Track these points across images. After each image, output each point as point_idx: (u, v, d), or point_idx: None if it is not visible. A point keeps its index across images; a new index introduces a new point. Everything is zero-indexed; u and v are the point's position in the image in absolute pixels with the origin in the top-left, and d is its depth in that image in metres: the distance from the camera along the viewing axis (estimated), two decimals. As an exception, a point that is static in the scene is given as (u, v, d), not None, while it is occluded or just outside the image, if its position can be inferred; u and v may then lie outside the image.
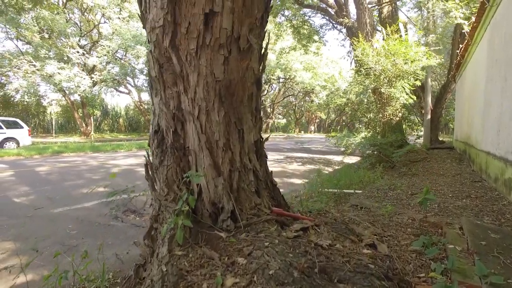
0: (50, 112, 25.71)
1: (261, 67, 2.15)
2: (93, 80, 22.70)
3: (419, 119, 17.22)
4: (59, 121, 32.00)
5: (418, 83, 8.97)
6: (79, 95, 22.72)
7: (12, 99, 24.09)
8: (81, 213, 4.23)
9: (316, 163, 10.40)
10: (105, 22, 25.42)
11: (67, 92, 22.18)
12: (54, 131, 25.94)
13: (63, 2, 23.02)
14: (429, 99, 15.74)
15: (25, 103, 24.37)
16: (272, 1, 2.13)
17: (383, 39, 9.76)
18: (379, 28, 12.96)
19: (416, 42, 9.26)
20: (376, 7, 13.80)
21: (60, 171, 8.08)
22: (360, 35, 9.16)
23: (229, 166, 1.94)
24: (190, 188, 1.96)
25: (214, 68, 1.90)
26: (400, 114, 9.55)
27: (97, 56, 22.68)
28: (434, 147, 12.54)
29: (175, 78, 1.98)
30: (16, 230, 3.49)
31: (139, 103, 31.90)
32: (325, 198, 4.66)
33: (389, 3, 13.54)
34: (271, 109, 50.81)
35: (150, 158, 2.18)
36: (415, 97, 9.24)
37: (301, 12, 19.27)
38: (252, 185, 2.00)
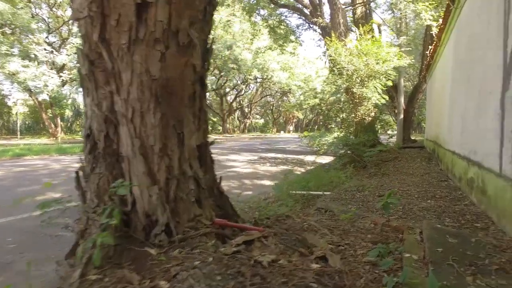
0: (16, 113, 24.45)
1: (206, 64, 1.96)
2: (62, 79, 21.77)
3: (393, 118, 17.48)
4: (27, 122, 30.57)
5: (390, 83, 9.04)
6: (47, 94, 21.74)
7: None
8: (28, 223, 3.89)
9: (289, 164, 10.31)
10: (75, 18, 24.46)
11: (34, 91, 21.16)
12: (19, 133, 24.68)
13: (28, -4, 21.96)
14: (402, 99, 16.03)
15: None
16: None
17: (356, 39, 9.80)
18: (354, 29, 13.06)
19: (388, 43, 9.33)
20: (350, 7, 13.93)
21: (16, 176, 7.58)
22: (333, 35, 9.14)
23: (166, 174, 1.74)
24: (125, 199, 1.75)
25: (149, 65, 1.70)
26: (372, 114, 9.60)
27: (66, 54, 21.77)
28: (405, 146, 12.74)
29: (107, 76, 1.76)
30: None
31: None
32: (291, 202, 4.54)
33: (362, 4, 13.67)
34: (249, 109, 50.72)
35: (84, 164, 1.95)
36: (387, 97, 9.31)
37: (278, 11, 19.19)
38: (192, 194, 1.81)
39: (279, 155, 13.10)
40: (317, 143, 8.32)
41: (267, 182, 7.30)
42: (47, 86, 19.60)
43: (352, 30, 14.24)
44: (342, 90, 9.08)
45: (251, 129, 60.31)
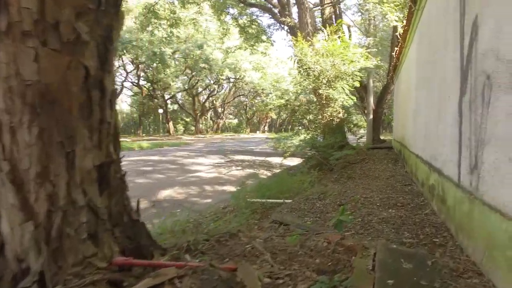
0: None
1: (106, 66, 1.59)
2: None
3: (365, 118, 17.62)
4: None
5: (357, 84, 8.94)
6: None
7: None
8: None
9: (257, 167, 10.05)
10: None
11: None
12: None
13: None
14: (371, 99, 16.15)
15: None
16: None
17: (325, 40, 9.67)
18: (323, 29, 12.97)
19: (355, 45, 9.23)
20: (319, 8, 13.85)
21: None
22: (299, 35, 8.93)
23: (48, 205, 1.36)
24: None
25: (20, 66, 1.32)
26: (340, 115, 9.49)
27: None
28: (374, 147, 12.77)
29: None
30: None
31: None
32: (247, 213, 4.24)
33: (330, 4, 13.62)
34: (222, 109, 50.18)
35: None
36: (355, 98, 9.21)
37: (249, 11, 18.89)
38: (85, 228, 1.44)
39: (248, 157, 12.81)
40: (282, 146, 8.08)
41: (230, 188, 6.97)
42: None
43: (321, 31, 14.20)
44: (308, 91, 8.89)
45: (225, 129, 59.74)
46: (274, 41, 18.97)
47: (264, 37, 20.32)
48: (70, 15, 1.36)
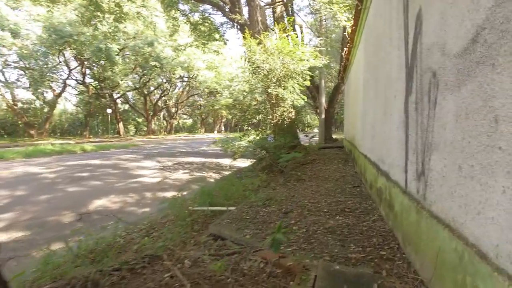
0: None
1: None
2: None
3: (319, 118, 17.85)
4: None
5: (308, 83, 8.82)
6: None
7: None
8: None
9: (205, 170, 9.58)
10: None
11: None
12: None
13: None
14: (323, 99, 16.38)
15: None
16: None
17: (276, 39, 9.44)
18: (275, 28, 12.79)
19: (303, 43, 9.08)
20: (269, 6, 13.67)
21: None
22: (247, 32, 8.61)
23: None
24: None
25: None
26: (291, 115, 9.32)
27: None
28: (325, 146, 12.88)
29: None
30: None
31: (12, 103, 26.88)
32: (184, 225, 3.81)
33: (281, 3, 13.51)
34: (175, 109, 48.64)
35: None
36: (305, 98, 9.09)
37: (201, 8, 18.29)
38: None
39: (198, 159, 12.27)
40: (230, 147, 7.71)
41: (173, 194, 6.45)
42: None
43: (272, 30, 14.05)
44: (257, 90, 8.61)
45: (179, 130, 58.11)
46: (227, 40, 18.47)
47: (217, 36, 19.83)
48: None
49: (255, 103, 8.58)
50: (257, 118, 8.62)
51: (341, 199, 4.38)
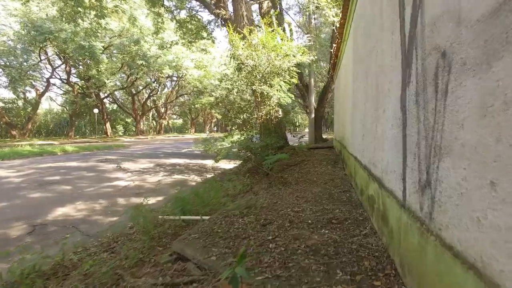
0: None
1: None
2: None
3: (308, 117, 17.43)
4: None
5: (295, 80, 8.34)
6: None
7: None
8: None
9: (188, 172, 9.02)
10: None
11: None
12: None
13: None
14: (313, 98, 15.96)
15: None
16: None
17: (260, 32, 8.94)
18: (261, 25, 12.30)
19: (292, 39, 8.58)
20: (255, 1, 13.17)
21: None
22: (230, 26, 8.09)
23: None
24: None
25: None
26: (277, 114, 8.83)
27: None
28: (315, 146, 12.45)
29: None
30: None
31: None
32: (146, 240, 3.29)
33: (268, -2, 13.03)
34: (164, 109, 47.73)
35: None
36: (293, 96, 8.60)
37: (188, 5, 17.74)
38: None
39: (182, 161, 11.70)
40: (211, 148, 7.18)
41: (149, 200, 5.90)
42: None
43: (259, 26, 13.55)
44: (241, 88, 8.10)
45: (169, 130, 57.18)
46: (215, 38, 17.97)
47: (204, 34, 19.26)
48: None
49: (238, 101, 8.06)
50: (242, 117, 8.11)
51: (328, 207, 3.90)
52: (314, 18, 17.73)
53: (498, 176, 0.97)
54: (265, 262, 2.29)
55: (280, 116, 8.82)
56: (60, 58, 30.39)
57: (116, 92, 43.83)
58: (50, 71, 31.02)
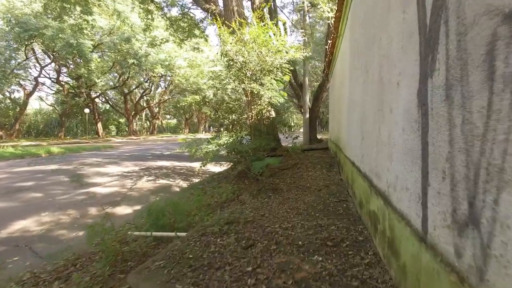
0: None
1: None
2: None
3: (303, 117, 16.89)
4: None
5: (287, 78, 7.80)
6: None
7: None
8: None
9: (174, 176, 8.45)
10: None
11: None
12: None
13: None
14: (307, 98, 15.43)
15: None
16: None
17: (249, 25, 8.39)
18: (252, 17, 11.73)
19: (286, 35, 8.02)
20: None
21: None
22: (218, 19, 7.51)
23: None
24: None
25: None
26: (268, 114, 8.28)
27: None
28: (309, 148, 11.92)
29: None
30: None
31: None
32: (105, 264, 2.74)
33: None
34: (158, 109, 46.90)
35: None
36: (285, 94, 8.05)
37: (180, 2, 17.18)
38: None
39: (170, 163, 11.10)
40: (194, 151, 6.62)
41: (124, 210, 5.33)
42: None
43: (252, 24, 12.98)
44: (230, 86, 7.53)
45: (162, 130, 56.34)
46: (208, 36, 17.39)
47: (197, 32, 18.66)
48: None
49: (227, 100, 7.50)
50: (231, 117, 7.55)
51: (322, 222, 3.36)
52: (309, 17, 17.24)
53: None
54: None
55: (272, 116, 8.28)
56: (49, 57, 29.55)
57: (108, 92, 43.00)
58: (38, 68, 30.16)
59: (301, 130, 15.49)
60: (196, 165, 10.22)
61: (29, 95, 30.64)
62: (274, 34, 7.20)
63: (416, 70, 1.62)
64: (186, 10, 17.88)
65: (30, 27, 18.26)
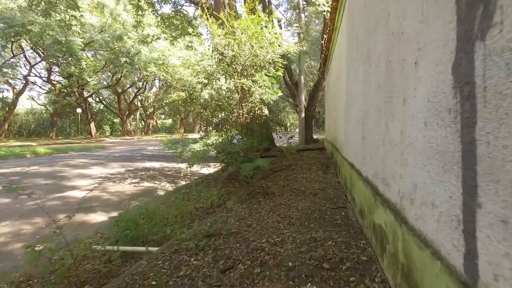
0: None
1: None
2: None
3: (298, 117, 16.40)
4: None
5: (280, 73, 7.30)
6: None
7: None
8: None
9: (161, 178, 7.91)
10: None
11: None
12: None
13: None
14: (303, 97, 14.95)
15: None
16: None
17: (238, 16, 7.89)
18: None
19: (272, 24, 7.44)
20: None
21: None
22: (205, 10, 6.98)
23: None
24: None
25: None
26: (260, 112, 7.78)
27: None
28: (305, 148, 11.45)
29: None
30: None
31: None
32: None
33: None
34: (152, 109, 46.16)
35: None
36: (279, 91, 7.55)
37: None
38: None
39: (158, 164, 10.57)
40: (179, 152, 6.10)
41: (98, 217, 4.80)
42: None
43: (240, 15, 12.47)
44: (220, 81, 7.00)
45: (157, 130, 55.58)
46: (201, 34, 16.91)
47: (190, 30, 18.11)
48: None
49: (216, 97, 6.98)
50: (220, 116, 7.03)
51: (318, 235, 2.86)
52: (305, 15, 16.79)
53: None
54: None
55: (265, 114, 7.77)
56: (39, 55, 28.82)
57: (103, 91, 42.28)
58: (28, 67, 29.40)
59: (297, 130, 15.02)
60: (185, 166, 9.71)
61: (18, 94, 29.88)
62: (266, 26, 6.70)
63: (451, 37, 1.12)
64: (179, 7, 17.36)
65: (16, 23, 17.57)
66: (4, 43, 21.41)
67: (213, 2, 10.32)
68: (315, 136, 18.58)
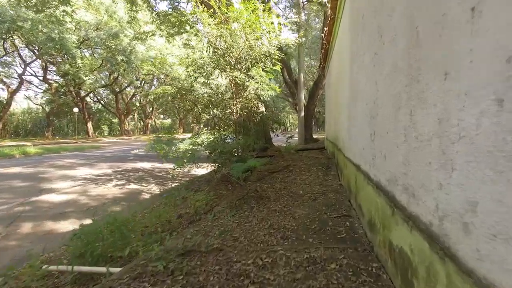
0: None
1: None
2: None
3: (298, 116, 15.85)
4: None
5: (278, 67, 6.73)
6: None
7: None
8: None
9: (149, 180, 7.35)
10: None
11: None
12: None
13: None
14: (302, 95, 14.41)
15: None
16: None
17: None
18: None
19: (269, 12, 6.84)
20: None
21: None
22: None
23: None
24: None
25: None
26: (256, 109, 7.21)
27: None
28: (304, 148, 10.90)
29: None
30: None
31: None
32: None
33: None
34: (151, 108, 45.55)
35: None
36: (276, 88, 6.98)
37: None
38: None
39: (149, 165, 10.00)
40: (164, 152, 5.55)
41: (69, 226, 4.24)
42: None
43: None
44: (210, 75, 6.43)
45: (156, 130, 54.97)
46: (198, 31, 16.31)
47: (187, 27, 17.55)
48: None
49: (208, 92, 6.42)
50: (212, 112, 6.47)
51: (318, 254, 2.31)
52: (305, 13, 16.23)
53: None
54: None
55: (261, 111, 7.21)
56: (34, 53, 28.25)
57: (101, 91, 41.70)
58: (22, 65, 28.83)
59: (297, 130, 14.51)
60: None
61: (13, 93, 29.31)
62: (263, 11, 6.13)
63: None
64: (176, 4, 16.84)
65: (6, 19, 17.00)
66: (-5, 40, 20.86)
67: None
68: (315, 136, 18.03)
